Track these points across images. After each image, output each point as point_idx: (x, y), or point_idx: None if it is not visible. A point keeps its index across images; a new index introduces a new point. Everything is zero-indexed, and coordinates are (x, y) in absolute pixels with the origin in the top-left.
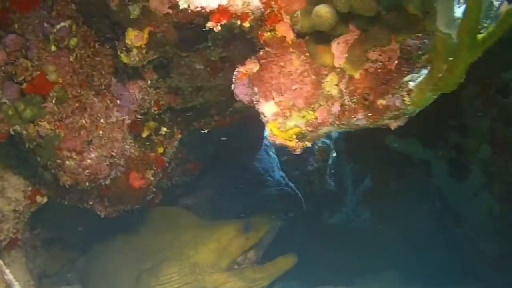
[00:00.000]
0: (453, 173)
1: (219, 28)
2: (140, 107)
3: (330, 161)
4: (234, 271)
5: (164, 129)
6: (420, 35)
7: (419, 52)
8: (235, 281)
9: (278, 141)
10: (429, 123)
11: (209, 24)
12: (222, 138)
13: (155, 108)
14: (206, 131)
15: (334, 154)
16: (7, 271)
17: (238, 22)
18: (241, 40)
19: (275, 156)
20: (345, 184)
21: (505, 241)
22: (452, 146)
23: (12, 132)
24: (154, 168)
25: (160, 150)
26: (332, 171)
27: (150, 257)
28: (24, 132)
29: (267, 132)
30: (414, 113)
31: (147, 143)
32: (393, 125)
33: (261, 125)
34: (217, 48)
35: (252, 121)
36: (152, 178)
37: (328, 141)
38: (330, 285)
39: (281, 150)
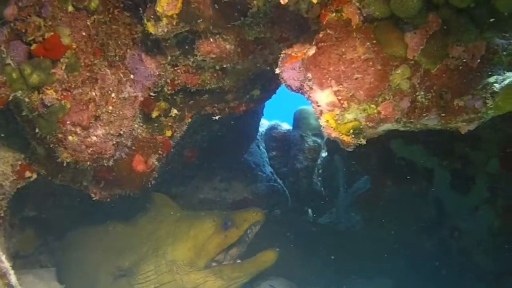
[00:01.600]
0: (456, 184)
1: (286, 1)
2: (155, 84)
3: (319, 161)
4: (213, 269)
5: (175, 111)
6: (507, 35)
7: (504, 53)
8: (214, 280)
9: (334, 134)
10: (437, 131)
11: None
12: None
13: (169, 88)
14: (217, 117)
15: (324, 154)
16: (3, 257)
17: None
18: (287, 21)
19: (265, 150)
20: (336, 185)
21: (503, 258)
22: (458, 156)
23: (11, 98)
24: (160, 152)
25: (168, 133)
26: (320, 170)
27: (128, 251)
28: (27, 99)
29: (322, 123)
30: (487, 119)
31: (156, 124)
32: (465, 129)
33: (257, 117)
34: (256, 27)
35: (247, 112)
36: (156, 163)
37: (319, 140)
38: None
39: (270, 145)
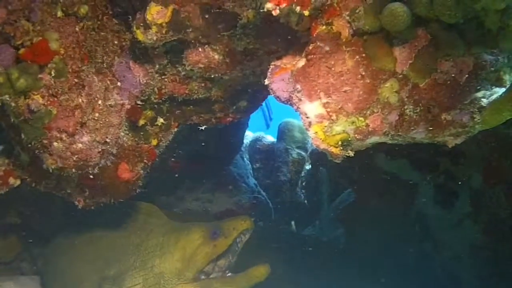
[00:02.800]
0: (439, 199)
1: (278, 12)
2: (142, 92)
3: (303, 173)
4: (201, 282)
5: (161, 120)
6: (494, 51)
7: (492, 68)
8: None
9: (323, 146)
10: (422, 146)
11: (268, 6)
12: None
13: (156, 96)
14: (203, 127)
15: (308, 167)
16: None
17: (298, 9)
18: (277, 33)
19: (249, 162)
20: (320, 197)
21: (485, 272)
22: (442, 171)
23: None
24: (145, 160)
25: (154, 142)
26: (304, 183)
27: (115, 262)
28: (13, 104)
29: (311, 135)
30: (474, 133)
31: (142, 133)
32: (452, 143)
33: (242, 129)
34: (245, 38)
35: (233, 123)
36: (141, 172)
37: (303, 153)
38: None
39: (254, 157)
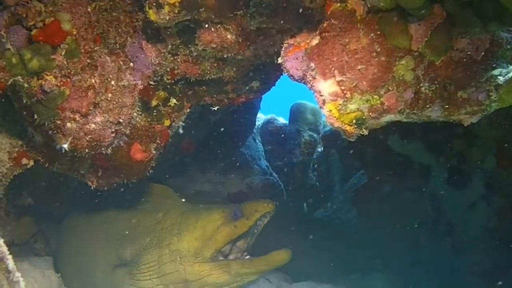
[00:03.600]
0: (453, 181)
1: None
2: (155, 73)
3: (315, 155)
4: (219, 262)
5: (174, 100)
6: (511, 29)
7: (508, 46)
8: (219, 274)
9: (337, 124)
10: (435, 128)
11: None
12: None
13: (169, 77)
14: (216, 108)
15: (320, 149)
16: (1, 241)
17: None
18: (291, 11)
19: (261, 144)
20: (332, 179)
21: (498, 255)
22: (455, 153)
23: (10, 83)
24: (158, 141)
25: (167, 122)
26: (316, 165)
27: (129, 243)
28: (26, 85)
29: (325, 113)
30: (490, 111)
31: (154, 113)
32: (467, 121)
33: (254, 111)
34: (258, 16)
35: (245, 105)
36: (154, 152)
37: (315, 135)
38: (313, 281)
39: (266, 139)
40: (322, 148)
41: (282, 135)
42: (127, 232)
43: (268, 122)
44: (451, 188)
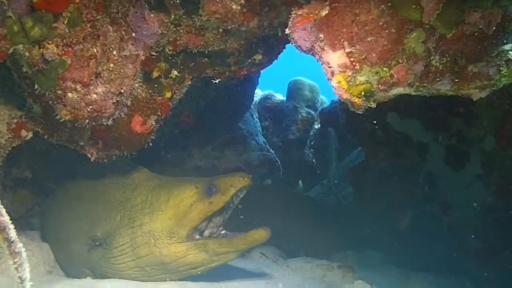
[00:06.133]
0: (450, 160)
1: None
2: (157, 43)
3: (312, 132)
4: (196, 242)
5: (175, 72)
6: None
7: None
8: (196, 254)
9: (345, 96)
10: (435, 106)
11: None
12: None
13: (170, 48)
14: (217, 80)
15: (317, 126)
16: (4, 211)
17: None
18: None
19: (258, 120)
20: (328, 157)
21: (493, 235)
22: (454, 132)
23: (10, 52)
24: (158, 113)
25: (168, 94)
26: (313, 142)
27: (100, 221)
28: (27, 53)
29: (333, 84)
30: (500, 86)
31: (156, 85)
32: (477, 95)
33: (252, 86)
34: None
35: (243, 79)
36: (154, 124)
37: (312, 112)
38: (308, 257)
39: (263, 115)
40: (319, 125)
41: (279, 111)
42: (96, 210)
43: (265, 98)
44: (449, 167)
